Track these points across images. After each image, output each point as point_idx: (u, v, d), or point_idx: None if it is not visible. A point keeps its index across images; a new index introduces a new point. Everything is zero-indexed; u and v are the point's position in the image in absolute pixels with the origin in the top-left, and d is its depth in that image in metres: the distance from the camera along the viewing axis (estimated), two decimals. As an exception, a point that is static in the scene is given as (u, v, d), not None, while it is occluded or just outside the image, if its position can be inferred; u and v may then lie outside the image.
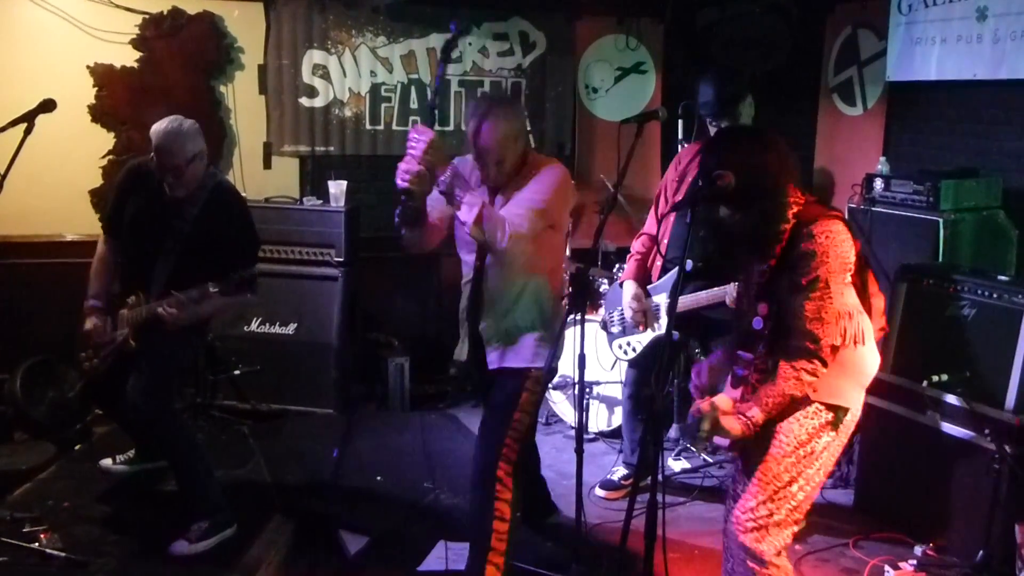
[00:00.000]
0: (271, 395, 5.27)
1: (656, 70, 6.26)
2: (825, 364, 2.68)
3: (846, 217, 2.78)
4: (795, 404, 2.76)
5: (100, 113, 5.38)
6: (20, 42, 5.22)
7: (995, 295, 3.72)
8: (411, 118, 5.90)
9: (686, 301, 4.01)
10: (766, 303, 2.72)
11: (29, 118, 3.53)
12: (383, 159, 5.86)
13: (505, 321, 3.35)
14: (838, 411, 2.80)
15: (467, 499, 3.51)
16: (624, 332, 4.37)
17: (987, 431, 3.61)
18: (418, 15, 5.83)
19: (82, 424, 4.85)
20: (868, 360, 2.86)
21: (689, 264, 3.93)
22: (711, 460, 4.82)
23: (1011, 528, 3.57)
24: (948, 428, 3.81)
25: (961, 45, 4.67)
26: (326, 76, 5.77)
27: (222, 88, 5.62)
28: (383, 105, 5.89)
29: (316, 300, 5.36)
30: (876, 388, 2.94)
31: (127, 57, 5.38)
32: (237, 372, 5.22)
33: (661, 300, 4.17)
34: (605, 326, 4.51)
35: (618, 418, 5.03)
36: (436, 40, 5.88)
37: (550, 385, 5.29)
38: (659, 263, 4.21)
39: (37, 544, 3.64)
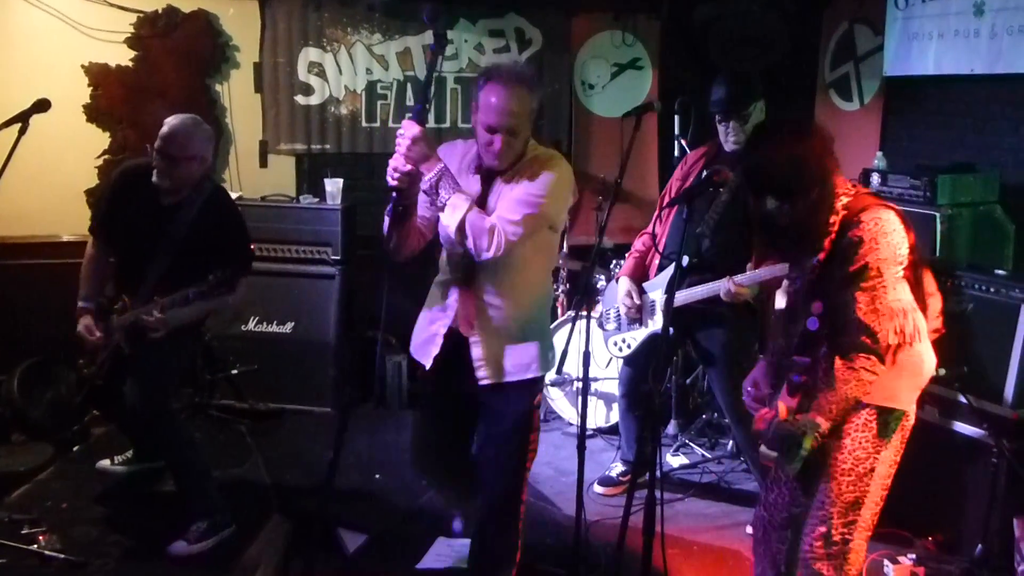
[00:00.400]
0: (269, 394, 5.26)
1: (652, 66, 6.25)
2: (883, 360, 2.55)
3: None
4: (852, 410, 2.63)
5: (95, 113, 5.37)
6: (14, 41, 5.20)
7: (992, 290, 3.72)
8: (407, 115, 5.85)
9: (681, 296, 4.00)
10: (820, 301, 2.59)
11: (24, 118, 3.51)
12: (379, 157, 5.85)
13: (503, 328, 3.01)
14: (892, 414, 2.67)
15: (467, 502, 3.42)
16: (619, 329, 4.37)
17: (985, 426, 3.61)
18: (413, 12, 5.81)
19: (80, 425, 4.84)
20: (925, 360, 2.72)
21: (684, 259, 3.93)
22: (709, 456, 4.82)
23: (1009, 522, 3.58)
24: (947, 423, 3.81)
25: (958, 40, 4.67)
26: (322, 74, 5.76)
27: (218, 86, 5.61)
28: (379, 102, 5.88)
29: (313, 299, 5.35)
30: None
31: (122, 56, 5.37)
32: (234, 371, 5.21)
33: (657, 296, 4.17)
34: (601, 323, 4.51)
35: (616, 414, 5.03)
36: (432, 37, 5.85)
37: (548, 382, 5.30)
38: (657, 261, 4.21)
39: (35, 545, 3.64)
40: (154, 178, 3.71)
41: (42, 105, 3.57)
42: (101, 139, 5.40)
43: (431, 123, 5.88)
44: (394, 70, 5.86)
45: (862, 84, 5.46)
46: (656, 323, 4.18)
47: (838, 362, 2.57)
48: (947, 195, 4.28)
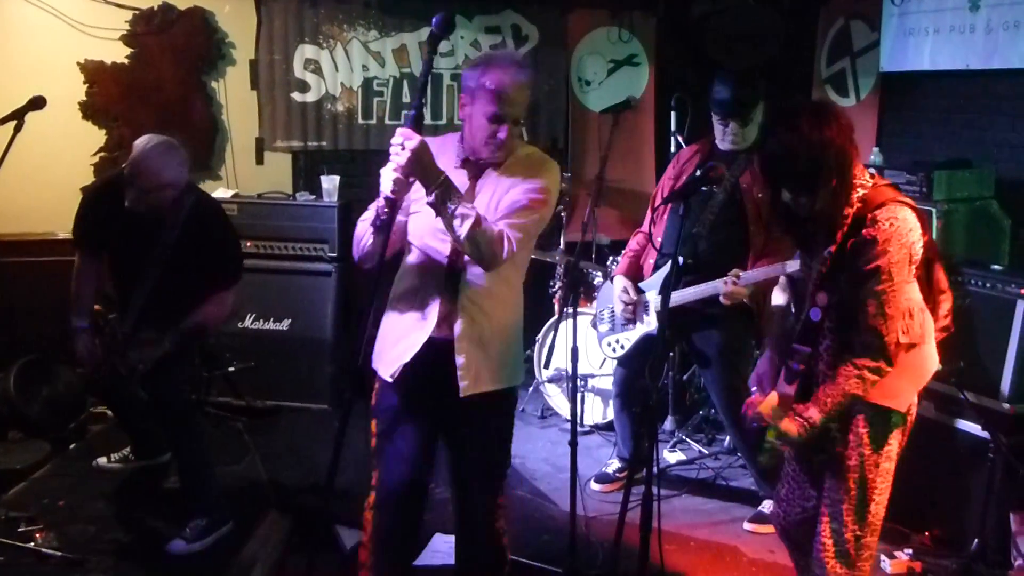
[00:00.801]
0: (266, 391, 5.26)
1: (649, 62, 6.24)
2: (891, 363, 2.53)
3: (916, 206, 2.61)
4: (851, 409, 2.62)
5: (91, 110, 5.36)
6: (9, 39, 5.19)
7: (989, 285, 3.72)
8: (403, 112, 5.88)
9: (677, 297, 3.98)
10: (825, 293, 2.58)
11: (19, 115, 3.51)
12: (376, 154, 5.84)
13: (486, 336, 2.78)
14: (895, 413, 2.66)
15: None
16: (613, 330, 4.37)
17: (982, 421, 3.62)
18: (409, 9, 5.81)
19: (77, 422, 4.84)
20: (927, 361, 2.71)
21: (680, 259, 3.93)
22: (706, 452, 4.83)
23: (1006, 517, 3.59)
24: (943, 418, 3.82)
25: (954, 35, 4.67)
26: (318, 71, 5.75)
27: (213, 84, 5.60)
28: (375, 99, 5.87)
29: (310, 296, 5.35)
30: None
31: (117, 53, 5.36)
32: (232, 368, 5.20)
33: (652, 296, 4.16)
34: (595, 324, 4.51)
35: (613, 410, 5.04)
36: (426, 32, 5.85)
37: (545, 379, 5.30)
38: (652, 260, 4.21)
39: (33, 543, 3.64)
40: (127, 203, 3.60)
41: (37, 102, 3.56)
42: (97, 136, 5.39)
43: (427, 120, 5.88)
44: (390, 67, 5.86)
45: (858, 80, 5.47)
46: (650, 324, 4.17)
47: (844, 359, 2.56)
48: (943, 190, 4.28)
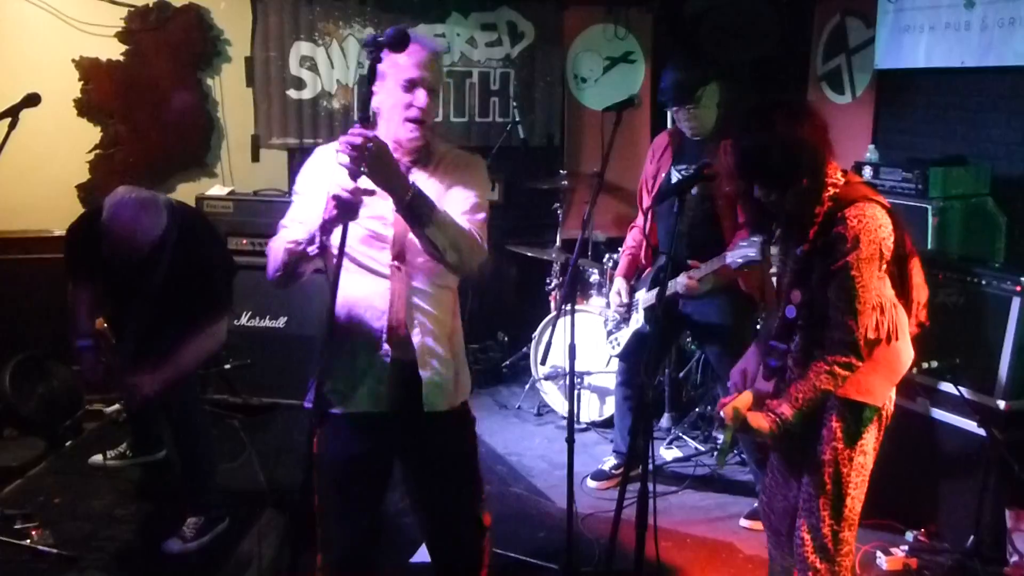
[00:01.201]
0: (262, 389, 5.24)
1: (645, 59, 6.25)
2: (861, 358, 2.56)
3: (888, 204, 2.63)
4: (826, 404, 2.65)
5: (86, 107, 5.35)
6: (5, 36, 5.17)
7: (984, 282, 3.73)
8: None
9: (648, 296, 4.14)
10: (799, 291, 2.61)
11: (13, 112, 3.49)
12: (372, 151, 5.83)
13: (441, 349, 2.58)
14: (868, 408, 2.68)
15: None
16: (616, 328, 4.45)
17: (977, 417, 3.62)
18: (405, 5, 5.81)
19: (72, 420, 4.84)
20: (901, 356, 2.73)
21: (663, 258, 3.98)
22: (703, 449, 4.83)
23: (1001, 513, 3.60)
24: (938, 415, 3.83)
25: (949, 32, 4.67)
26: (314, 68, 5.74)
27: (209, 81, 5.59)
28: (371, 97, 5.86)
29: (306, 293, 5.31)
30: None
31: (113, 50, 5.35)
32: (227, 366, 5.19)
33: (640, 296, 4.25)
34: (605, 322, 4.56)
35: (609, 408, 5.05)
36: (424, 31, 5.85)
37: (542, 376, 5.31)
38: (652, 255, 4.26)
39: (28, 541, 3.64)
40: (104, 253, 3.45)
41: (32, 99, 3.55)
42: (92, 133, 5.38)
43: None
44: (386, 64, 5.85)
45: (854, 77, 5.47)
46: (638, 321, 4.24)
47: (816, 356, 2.59)
48: (939, 188, 4.29)
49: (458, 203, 2.50)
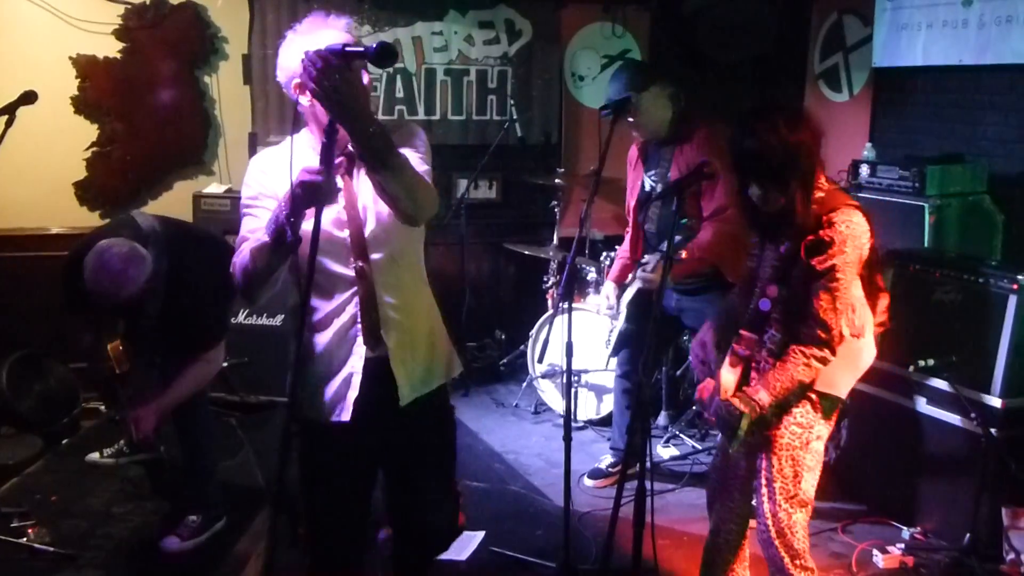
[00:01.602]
0: (259, 387, 5.24)
1: (642, 57, 6.24)
2: (834, 352, 2.68)
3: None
4: (795, 394, 2.75)
5: (83, 105, 5.34)
6: (1, 33, 5.16)
7: (981, 280, 3.73)
8: (397, 107, 5.87)
9: (626, 295, 4.24)
10: (776, 286, 2.72)
11: (10, 110, 3.48)
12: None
13: (415, 329, 2.55)
14: (829, 399, 2.81)
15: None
16: (612, 327, 4.49)
17: (973, 415, 3.63)
18: (402, 4, 5.80)
19: (69, 417, 4.83)
20: (864, 352, 2.87)
21: (646, 258, 4.05)
22: (700, 447, 4.84)
23: (997, 511, 3.61)
24: (935, 412, 3.83)
25: (947, 31, 4.68)
26: (311, 66, 5.73)
27: (206, 78, 5.58)
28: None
29: (304, 291, 5.33)
30: (863, 374, 2.93)
31: (110, 48, 5.34)
32: (225, 364, 5.18)
33: (626, 295, 4.29)
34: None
35: (606, 406, 5.05)
36: (421, 28, 5.86)
37: (539, 374, 5.31)
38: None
39: (25, 539, 3.63)
40: (91, 304, 3.36)
41: (29, 97, 3.54)
42: (89, 131, 5.37)
43: (421, 115, 5.87)
44: (384, 62, 5.84)
45: (851, 75, 5.47)
46: (619, 321, 4.34)
47: (792, 347, 2.69)
48: (936, 186, 4.29)
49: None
